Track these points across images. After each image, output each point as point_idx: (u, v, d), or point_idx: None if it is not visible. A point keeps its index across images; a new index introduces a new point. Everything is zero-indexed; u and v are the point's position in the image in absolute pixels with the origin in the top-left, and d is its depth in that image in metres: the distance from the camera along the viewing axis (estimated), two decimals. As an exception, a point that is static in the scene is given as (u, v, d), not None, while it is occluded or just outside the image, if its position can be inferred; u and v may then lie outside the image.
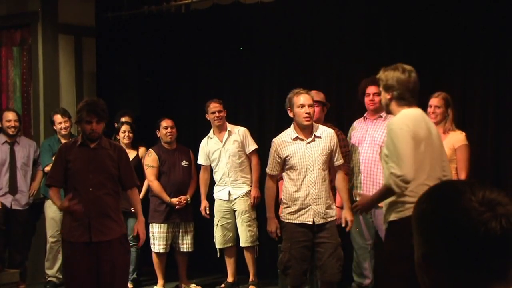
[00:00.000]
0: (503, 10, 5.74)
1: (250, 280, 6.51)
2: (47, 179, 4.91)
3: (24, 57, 7.91)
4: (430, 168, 3.85)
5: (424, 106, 4.90)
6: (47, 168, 6.74)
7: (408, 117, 3.85)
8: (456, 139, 5.30)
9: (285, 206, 5.00)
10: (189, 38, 7.65)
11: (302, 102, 4.88)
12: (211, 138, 6.60)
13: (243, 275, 6.73)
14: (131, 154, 6.59)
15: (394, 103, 3.95)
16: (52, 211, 6.89)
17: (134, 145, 6.84)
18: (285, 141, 4.99)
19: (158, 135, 6.70)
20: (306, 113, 4.86)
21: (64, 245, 4.85)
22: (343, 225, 5.02)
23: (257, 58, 7.24)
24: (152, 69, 7.90)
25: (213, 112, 6.47)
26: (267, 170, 5.14)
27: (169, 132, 6.62)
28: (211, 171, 6.63)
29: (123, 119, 7.01)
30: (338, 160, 5.02)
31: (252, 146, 6.54)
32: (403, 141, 3.74)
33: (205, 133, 6.75)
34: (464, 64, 5.97)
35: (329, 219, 4.94)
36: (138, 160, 6.73)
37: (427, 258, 1.31)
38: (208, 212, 6.58)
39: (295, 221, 4.95)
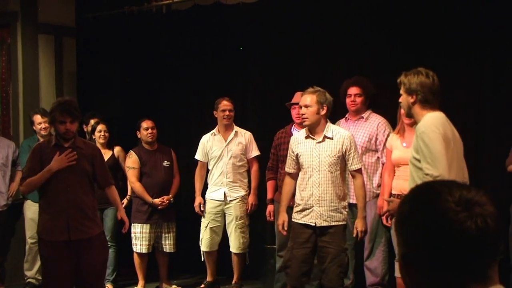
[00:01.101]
0: (482, 11, 5.79)
1: (234, 282, 6.46)
2: (21, 179, 4.86)
3: (3, 56, 7.87)
4: (457, 170, 3.96)
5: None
6: None
7: (436, 120, 3.90)
8: None
9: (295, 205, 4.99)
10: (170, 39, 7.67)
11: (300, 102, 4.94)
12: (215, 135, 6.48)
13: (225, 275, 6.73)
14: (107, 154, 6.57)
15: (418, 106, 3.99)
16: (31, 212, 6.80)
17: (109, 145, 6.80)
18: (299, 139, 4.99)
19: (139, 136, 6.65)
20: (297, 114, 4.93)
21: (42, 244, 4.80)
22: (353, 235, 4.97)
23: (238, 59, 7.24)
24: (133, 69, 7.88)
25: (223, 110, 6.37)
26: (286, 168, 5.14)
27: (149, 133, 6.57)
28: (207, 166, 6.57)
29: (92, 121, 7.00)
30: (353, 165, 4.88)
31: (255, 152, 6.46)
32: (436, 143, 3.79)
33: (186, 132, 6.76)
34: (446, 65, 5.96)
35: (333, 223, 4.85)
36: (114, 160, 6.71)
37: (408, 258, 1.33)
38: (202, 209, 6.48)
39: (300, 221, 4.92)
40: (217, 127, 6.48)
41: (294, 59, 6.84)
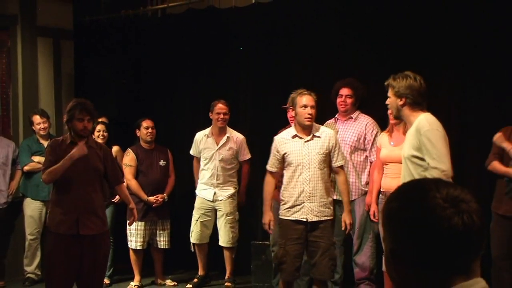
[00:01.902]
0: (466, 14, 5.83)
1: (227, 277, 6.51)
2: (43, 171, 4.83)
3: (3, 59, 7.82)
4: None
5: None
6: (26, 168, 6.81)
7: (435, 121, 4.00)
8: None
9: (282, 202, 5.04)
10: (165, 42, 7.67)
11: (305, 102, 4.91)
12: (208, 136, 6.48)
13: (217, 271, 6.77)
14: None
15: (407, 108, 4.06)
16: (30, 210, 6.87)
17: (108, 145, 6.68)
18: (285, 139, 5.02)
19: (138, 134, 6.67)
20: (308, 114, 4.92)
21: (49, 237, 4.84)
22: (342, 228, 5.05)
23: (231, 61, 7.25)
24: (129, 71, 7.90)
25: (218, 113, 6.36)
26: (267, 166, 5.16)
27: (149, 132, 6.60)
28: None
29: (99, 120, 6.99)
30: (338, 162, 4.98)
31: (246, 155, 6.49)
32: (441, 141, 3.88)
33: (182, 134, 6.75)
34: (431, 67, 5.98)
35: (323, 218, 4.92)
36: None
37: (395, 254, 1.33)
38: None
39: (290, 218, 4.95)
40: (211, 128, 6.48)
41: (286, 62, 6.86)
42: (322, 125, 5.80)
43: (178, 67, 7.58)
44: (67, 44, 8.03)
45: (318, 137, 4.95)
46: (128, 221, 5.69)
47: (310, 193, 4.90)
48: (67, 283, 4.72)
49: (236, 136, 6.47)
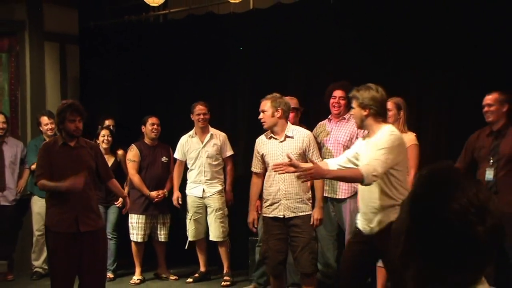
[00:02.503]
0: (456, 20, 5.85)
1: (225, 271, 6.59)
2: (36, 177, 4.91)
3: (12, 62, 7.84)
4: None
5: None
6: (33, 166, 6.66)
7: (398, 137, 4.11)
8: (407, 139, 5.37)
9: (264, 201, 5.15)
10: (166, 46, 7.68)
11: (260, 108, 5.09)
12: (192, 137, 6.60)
13: (216, 266, 6.83)
14: (110, 159, 6.60)
15: (371, 119, 4.16)
16: (38, 207, 6.86)
17: (112, 150, 6.83)
18: (263, 140, 5.17)
19: (143, 130, 6.76)
20: (260, 118, 5.09)
21: (50, 236, 4.86)
22: (311, 223, 5.04)
23: (229, 65, 7.27)
24: (132, 75, 7.93)
25: (198, 114, 6.49)
26: (252, 168, 5.30)
27: (155, 128, 6.72)
28: (185, 166, 6.68)
29: (107, 122, 7.07)
30: (316, 159, 4.93)
31: (229, 151, 6.62)
32: (391, 152, 3.99)
33: (181, 133, 6.77)
34: (420, 73, 6.09)
35: (300, 214, 4.98)
36: (117, 164, 6.77)
37: (410, 231, 1.29)
38: (180, 203, 6.61)
39: (269, 215, 5.07)
40: (194, 129, 6.61)
41: (283, 65, 6.87)
42: (316, 125, 5.90)
43: (179, 70, 7.60)
44: (72, 48, 8.05)
45: (291, 137, 5.03)
46: (123, 210, 5.85)
47: (285, 191, 4.99)
48: (70, 279, 4.76)
49: (218, 134, 6.61)
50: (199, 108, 6.52)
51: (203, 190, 6.54)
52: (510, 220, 4.79)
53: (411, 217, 1.28)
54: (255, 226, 5.31)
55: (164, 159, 6.80)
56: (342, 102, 5.80)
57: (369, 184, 4.01)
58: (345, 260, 4.43)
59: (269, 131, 5.13)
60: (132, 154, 6.70)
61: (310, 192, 5.08)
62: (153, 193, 6.64)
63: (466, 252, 1.21)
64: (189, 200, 6.63)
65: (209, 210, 6.57)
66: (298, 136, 5.04)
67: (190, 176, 6.62)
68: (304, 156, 5.00)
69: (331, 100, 5.80)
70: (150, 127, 6.72)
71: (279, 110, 5.03)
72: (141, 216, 6.66)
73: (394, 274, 4.13)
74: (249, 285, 6.24)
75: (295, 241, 4.98)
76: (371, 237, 4.17)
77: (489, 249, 1.23)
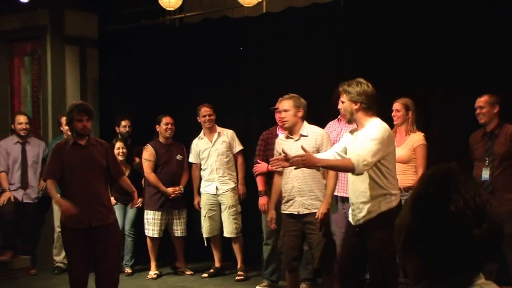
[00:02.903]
0: (461, 22, 5.90)
1: (238, 267, 6.65)
2: (45, 174, 4.99)
3: (34, 65, 8.02)
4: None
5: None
6: None
7: (387, 129, 4.16)
8: (415, 139, 5.52)
9: (282, 198, 5.16)
10: (182, 49, 7.72)
11: (279, 108, 5.16)
12: (201, 138, 6.73)
13: (230, 261, 6.88)
14: (126, 170, 6.64)
15: (361, 113, 4.19)
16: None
17: (128, 161, 6.92)
18: (281, 139, 5.21)
19: (158, 129, 6.86)
20: (279, 118, 5.13)
21: (64, 232, 4.95)
22: (316, 216, 4.97)
23: (242, 66, 7.32)
24: (149, 76, 7.98)
25: (204, 116, 6.62)
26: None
27: (169, 128, 6.82)
28: (200, 166, 6.78)
29: (123, 122, 7.17)
30: None
31: (238, 147, 6.71)
32: (378, 145, 4.02)
33: (195, 133, 6.85)
34: (428, 74, 6.13)
35: (314, 210, 4.94)
36: (134, 173, 6.86)
37: (411, 231, 1.29)
38: (200, 206, 6.75)
39: (286, 212, 5.08)
40: (202, 131, 6.75)
41: (293, 67, 6.92)
42: (325, 125, 5.91)
43: (194, 72, 7.61)
44: (92, 51, 8.16)
45: (306, 136, 5.03)
46: (130, 205, 5.94)
47: (299, 188, 4.99)
48: (86, 272, 4.85)
49: (226, 131, 6.73)
50: (204, 110, 6.64)
51: (216, 188, 6.64)
52: (510, 216, 4.82)
53: (411, 216, 1.29)
54: (273, 223, 5.33)
55: (179, 157, 6.88)
56: None
57: (360, 174, 4.05)
58: (342, 253, 4.53)
59: (287, 131, 5.16)
60: (148, 153, 6.79)
61: (325, 190, 5.04)
62: (170, 189, 6.73)
63: (462, 253, 1.22)
64: (203, 198, 6.74)
65: (222, 207, 6.67)
66: (312, 135, 5.05)
67: (204, 175, 6.74)
68: (318, 153, 4.93)
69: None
70: (164, 126, 6.82)
71: (300, 109, 5.05)
72: (156, 212, 6.75)
73: (377, 264, 4.18)
74: (263, 282, 6.28)
75: (310, 238, 5.00)
76: (360, 227, 4.24)
77: (486, 251, 1.23)
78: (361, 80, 4.26)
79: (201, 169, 6.80)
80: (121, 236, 5.31)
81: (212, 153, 6.65)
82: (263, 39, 7.16)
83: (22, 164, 7.11)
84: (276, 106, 5.97)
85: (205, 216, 6.73)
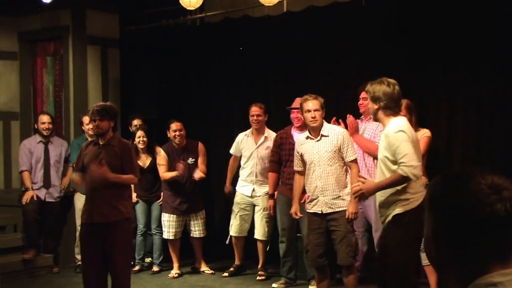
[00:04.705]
0: (460, 27, 5.94)
1: (260, 266, 6.68)
2: (74, 169, 5.23)
3: (56, 66, 8.07)
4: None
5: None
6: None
7: (402, 124, 4.11)
8: (421, 134, 5.50)
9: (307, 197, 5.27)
10: (203, 49, 7.78)
11: (309, 107, 5.11)
12: (248, 136, 6.67)
13: (250, 260, 6.92)
14: (148, 159, 6.80)
15: (381, 113, 4.18)
16: (80, 203, 6.63)
17: (149, 149, 6.93)
18: (302, 140, 5.24)
19: (168, 135, 6.83)
20: (312, 117, 5.10)
21: (80, 227, 5.29)
22: (346, 216, 5.04)
23: (263, 65, 7.38)
24: (169, 76, 8.05)
25: (252, 115, 6.55)
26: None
27: (177, 134, 6.74)
28: (239, 160, 6.77)
29: (135, 122, 7.19)
30: (348, 157, 5.06)
31: None
32: (406, 143, 4.01)
33: (214, 130, 6.98)
34: (422, 79, 6.20)
35: (337, 209, 5.04)
36: (155, 162, 6.86)
37: (436, 234, 1.32)
38: (230, 195, 6.77)
39: (310, 211, 5.15)
40: (251, 129, 6.67)
41: (313, 66, 6.96)
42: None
43: (215, 71, 7.71)
44: (113, 51, 8.19)
45: (327, 136, 5.09)
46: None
47: (322, 188, 5.06)
48: (96, 267, 4.91)
49: (273, 136, 6.56)
50: (254, 110, 6.57)
51: (253, 190, 6.62)
52: None
53: (431, 211, 1.33)
54: (298, 214, 5.40)
55: (190, 160, 6.79)
56: (366, 102, 5.68)
57: (415, 179, 4.01)
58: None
59: (307, 130, 5.21)
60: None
61: (348, 188, 5.07)
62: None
63: (490, 233, 1.24)
64: (238, 197, 6.72)
65: (256, 208, 6.65)
66: (333, 135, 5.09)
67: (242, 174, 6.71)
68: (339, 153, 5.07)
69: (358, 102, 5.85)
70: (173, 133, 6.76)
71: (324, 110, 5.15)
72: (172, 215, 6.77)
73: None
74: (280, 280, 6.31)
75: (333, 234, 5.07)
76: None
77: (511, 227, 1.25)
78: (384, 79, 4.23)
79: (239, 166, 6.77)
80: (129, 236, 5.23)
81: (255, 155, 6.59)
82: (284, 38, 7.18)
83: (45, 163, 7.18)
84: (293, 106, 6.05)
85: (236, 215, 6.70)
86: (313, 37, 6.97)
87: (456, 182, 1.30)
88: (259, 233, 6.61)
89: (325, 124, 5.17)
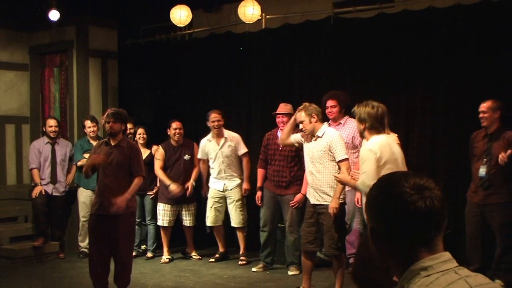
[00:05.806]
0: (437, 31, 6.23)
1: (241, 252, 7.00)
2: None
3: (62, 75, 8.32)
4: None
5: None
6: (79, 163, 7.23)
7: (378, 144, 4.30)
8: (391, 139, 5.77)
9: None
10: (191, 60, 8.06)
11: (299, 120, 5.28)
12: (210, 141, 6.91)
13: (233, 247, 7.24)
14: (145, 152, 7.05)
15: (367, 132, 4.39)
16: (83, 197, 7.35)
17: (148, 145, 7.26)
18: (303, 141, 5.42)
19: (169, 133, 7.13)
20: (302, 127, 5.28)
21: (89, 216, 5.48)
22: (329, 211, 5.12)
23: (245, 77, 7.68)
24: (162, 85, 8.28)
25: (213, 121, 6.79)
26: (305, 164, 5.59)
27: (177, 132, 7.05)
28: (207, 162, 7.08)
29: (128, 125, 7.27)
30: (337, 157, 5.13)
31: (243, 149, 6.94)
32: (371, 161, 4.24)
33: (202, 132, 7.13)
34: (407, 83, 6.42)
35: (323, 203, 5.16)
36: (151, 157, 7.19)
37: (374, 231, 1.42)
38: (207, 195, 7.01)
39: (308, 199, 5.41)
40: (211, 133, 6.93)
41: (290, 77, 7.19)
42: None
43: (202, 81, 7.95)
44: (113, 63, 8.41)
45: (320, 137, 5.20)
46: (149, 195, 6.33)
47: (312, 181, 5.28)
48: (101, 251, 5.14)
49: (232, 136, 6.91)
50: (214, 116, 6.81)
51: (224, 184, 6.92)
52: (501, 208, 5.32)
53: (368, 212, 1.44)
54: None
55: (186, 157, 7.06)
56: (334, 109, 6.06)
57: (365, 194, 4.21)
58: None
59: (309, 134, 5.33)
60: (158, 153, 7.07)
61: (335, 185, 5.13)
62: (172, 186, 6.88)
63: (415, 226, 1.35)
64: (211, 191, 7.02)
65: (229, 201, 6.95)
66: (325, 136, 5.17)
67: (213, 173, 7.00)
68: (329, 153, 5.17)
69: (326, 110, 6.04)
70: (173, 131, 7.04)
71: (313, 116, 5.15)
72: (166, 205, 7.06)
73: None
74: (259, 264, 6.62)
75: (321, 226, 5.22)
76: None
77: (432, 220, 1.36)
78: (369, 102, 4.43)
79: (209, 166, 7.04)
80: (133, 227, 5.50)
81: (219, 155, 6.84)
82: (263, 52, 7.52)
83: (52, 162, 7.41)
84: (278, 111, 6.32)
85: (211, 207, 7.00)
86: (289, 50, 7.25)
87: (385, 187, 1.41)
88: (236, 221, 6.92)
89: (323, 126, 5.23)
